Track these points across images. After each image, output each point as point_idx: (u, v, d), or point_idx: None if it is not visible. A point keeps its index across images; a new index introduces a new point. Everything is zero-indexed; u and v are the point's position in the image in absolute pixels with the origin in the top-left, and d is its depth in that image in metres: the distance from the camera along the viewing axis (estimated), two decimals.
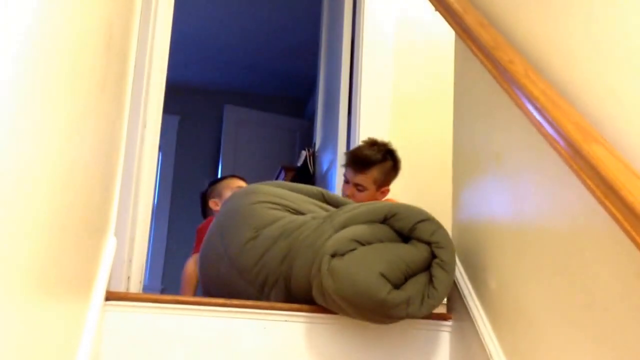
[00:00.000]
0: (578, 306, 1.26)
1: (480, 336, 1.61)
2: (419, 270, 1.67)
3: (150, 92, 2.24)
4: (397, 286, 1.62)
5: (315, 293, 1.68)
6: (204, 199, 2.96)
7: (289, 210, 1.96)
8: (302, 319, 1.72)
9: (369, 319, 1.66)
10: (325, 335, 1.70)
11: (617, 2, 1.25)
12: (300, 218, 1.90)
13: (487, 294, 1.65)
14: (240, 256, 1.85)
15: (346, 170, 2.54)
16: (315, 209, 1.99)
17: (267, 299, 1.81)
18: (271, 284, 1.81)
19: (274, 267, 1.80)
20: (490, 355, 1.54)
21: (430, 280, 1.67)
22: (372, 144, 2.55)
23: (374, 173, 2.49)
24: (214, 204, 2.86)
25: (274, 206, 1.95)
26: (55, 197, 0.87)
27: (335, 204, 2.07)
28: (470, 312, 1.68)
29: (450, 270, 1.68)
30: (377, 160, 2.49)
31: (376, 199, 2.49)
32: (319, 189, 2.18)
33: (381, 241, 1.69)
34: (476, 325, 1.64)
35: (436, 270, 1.67)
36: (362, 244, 1.66)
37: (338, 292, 1.60)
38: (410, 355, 1.74)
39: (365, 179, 2.48)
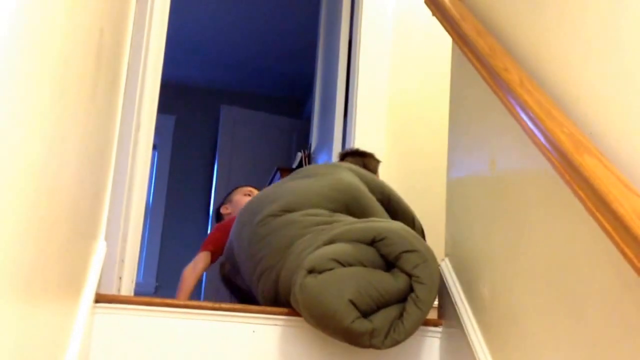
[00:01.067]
0: (569, 317, 1.26)
1: (471, 344, 1.60)
2: (394, 300, 1.63)
3: (145, 93, 2.22)
4: (366, 314, 1.59)
5: (292, 300, 1.68)
6: (217, 212, 3.09)
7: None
8: (291, 323, 1.72)
9: (336, 339, 1.64)
10: (314, 340, 1.70)
11: (613, 13, 1.25)
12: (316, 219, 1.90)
13: (479, 301, 1.64)
14: (257, 228, 1.89)
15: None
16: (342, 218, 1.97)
17: (257, 284, 1.81)
18: (262, 269, 1.80)
19: (273, 252, 1.81)
20: None
21: (402, 314, 1.62)
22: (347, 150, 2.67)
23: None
24: (224, 209, 2.99)
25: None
26: (41, 203, 0.86)
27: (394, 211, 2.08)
28: (462, 319, 1.68)
29: (424, 308, 1.63)
30: (349, 155, 2.56)
31: None
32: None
33: (363, 264, 1.66)
34: (467, 333, 1.63)
35: (410, 306, 1.63)
36: (342, 264, 1.63)
37: (306, 309, 1.60)
38: None
39: None
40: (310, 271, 1.61)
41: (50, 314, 1.05)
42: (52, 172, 0.91)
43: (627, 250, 1.01)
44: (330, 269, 1.62)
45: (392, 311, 1.62)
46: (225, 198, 3.10)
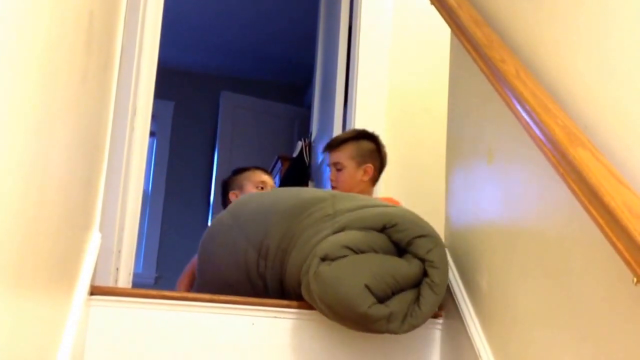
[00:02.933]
0: (564, 309, 1.26)
1: (470, 335, 1.61)
2: (409, 286, 1.64)
3: (141, 77, 2.19)
4: (382, 300, 1.59)
5: (303, 291, 1.67)
6: (225, 188, 2.84)
7: None
8: (290, 315, 1.71)
9: (350, 327, 1.64)
10: (314, 332, 1.70)
11: (606, 6, 1.24)
12: (303, 190, 1.91)
13: (477, 293, 1.64)
14: (249, 222, 1.87)
15: (325, 156, 2.57)
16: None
17: (264, 274, 1.80)
18: (271, 259, 1.80)
19: (274, 240, 1.80)
20: (479, 354, 1.54)
21: (418, 298, 1.63)
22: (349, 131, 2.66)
23: (349, 149, 2.50)
24: (233, 196, 2.73)
25: None
26: (28, 192, 0.86)
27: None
28: (461, 311, 1.68)
29: (439, 292, 1.64)
30: (349, 137, 2.55)
31: (359, 179, 2.48)
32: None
33: (375, 251, 1.66)
34: (466, 325, 1.64)
35: (425, 290, 1.63)
36: (354, 252, 1.63)
37: (321, 298, 1.59)
38: (401, 353, 1.74)
39: (341, 155, 2.50)
40: (324, 259, 1.61)
41: (41, 307, 1.05)
42: (39, 159, 0.90)
43: (618, 243, 1.01)
44: (344, 256, 1.61)
45: (407, 296, 1.62)
46: (234, 180, 2.81)
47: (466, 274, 1.73)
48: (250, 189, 2.68)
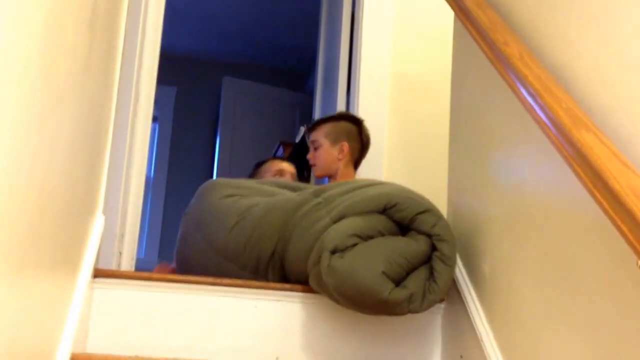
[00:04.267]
0: (568, 293, 1.26)
1: (472, 320, 1.61)
2: (420, 263, 1.64)
3: (144, 63, 2.19)
4: (398, 282, 1.59)
5: (312, 283, 1.66)
6: None
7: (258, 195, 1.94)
8: (294, 299, 1.72)
9: (368, 313, 1.64)
10: (317, 315, 1.70)
11: None
12: (283, 196, 1.87)
13: (480, 278, 1.65)
14: (227, 245, 1.82)
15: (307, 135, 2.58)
16: (280, 190, 1.96)
17: (265, 279, 1.80)
18: (265, 263, 1.79)
19: (266, 245, 1.79)
20: (481, 339, 1.55)
21: (431, 274, 1.63)
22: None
23: (325, 127, 2.51)
24: None
25: (243, 194, 1.93)
26: (33, 175, 0.86)
27: (293, 186, 2.02)
28: (463, 296, 1.68)
29: (451, 264, 1.64)
30: (329, 118, 2.57)
31: (335, 157, 2.46)
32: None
33: (381, 234, 1.66)
34: (468, 309, 1.64)
35: (437, 264, 1.63)
36: (363, 239, 1.63)
37: (338, 290, 1.58)
38: (403, 338, 1.74)
39: (317, 133, 2.51)
40: (334, 251, 1.60)
41: (46, 288, 1.06)
42: (44, 143, 0.91)
43: (622, 226, 1.01)
44: (353, 245, 1.61)
45: (421, 273, 1.63)
46: (256, 173, 2.86)
47: (469, 258, 1.73)
48: (269, 176, 2.71)
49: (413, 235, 1.67)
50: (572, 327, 1.24)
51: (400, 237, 1.67)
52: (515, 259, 1.48)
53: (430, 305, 1.62)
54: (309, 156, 2.54)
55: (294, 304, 1.71)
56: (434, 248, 1.64)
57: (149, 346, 1.59)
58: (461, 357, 1.65)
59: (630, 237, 0.99)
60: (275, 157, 2.90)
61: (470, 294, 1.67)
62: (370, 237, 1.64)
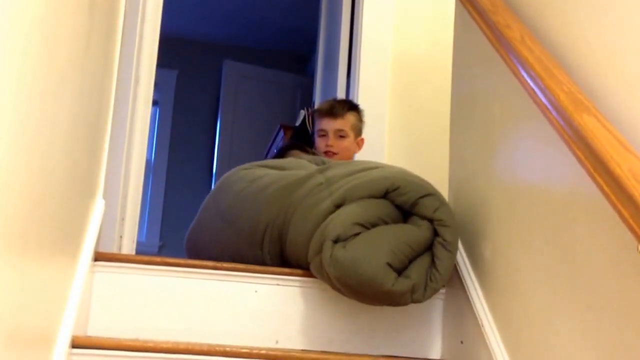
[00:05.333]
0: (568, 277, 1.26)
1: (473, 304, 1.61)
2: (422, 250, 1.62)
3: (144, 45, 2.18)
4: (401, 270, 1.58)
5: (314, 271, 1.66)
6: None
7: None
8: (294, 283, 1.72)
9: (370, 303, 1.63)
10: (317, 299, 1.70)
11: None
12: (292, 171, 1.87)
13: (481, 262, 1.64)
14: (231, 208, 1.85)
15: (322, 122, 2.50)
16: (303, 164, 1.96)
17: (260, 251, 1.80)
18: (261, 234, 1.79)
19: (263, 215, 1.78)
20: (482, 323, 1.55)
21: (433, 261, 1.61)
22: (335, 99, 2.65)
23: (351, 118, 2.49)
24: None
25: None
26: (32, 158, 0.85)
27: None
28: (464, 280, 1.68)
29: (453, 250, 1.62)
30: (351, 106, 2.54)
31: (353, 151, 2.49)
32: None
33: (384, 221, 1.63)
34: (468, 293, 1.64)
35: (439, 251, 1.61)
36: (366, 227, 1.61)
37: (341, 280, 1.57)
38: (403, 323, 1.74)
39: (344, 123, 2.47)
40: (336, 240, 1.58)
41: (47, 271, 1.06)
42: (43, 125, 0.90)
43: (623, 210, 1.01)
44: (357, 234, 1.59)
45: (423, 261, 1.61)
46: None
47: (470, 242, 1.72)
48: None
49: (415, 221, 1.64)
50: (573, 312, 1.24)
51: (402, 225, 1.65)
52: (516, 244, 1.48)
53: (432, 294, 1.60)
54: (330, 143, 2.46)
55: (294, 288, 1.71)
56: (435, 233, 1.63)
57: (150, 329, 1.60)
58: (462, 342, 1.65)
59: (631, 222, 0.99)
60: (293, 147, 2.82)
61: (471, 279, 1.67)
62: (374, 225, 1.62)
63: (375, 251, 1.55)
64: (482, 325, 1.54)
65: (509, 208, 1.53)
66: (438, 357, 1.76)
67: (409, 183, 1.67)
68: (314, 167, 1.89)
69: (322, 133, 2.49)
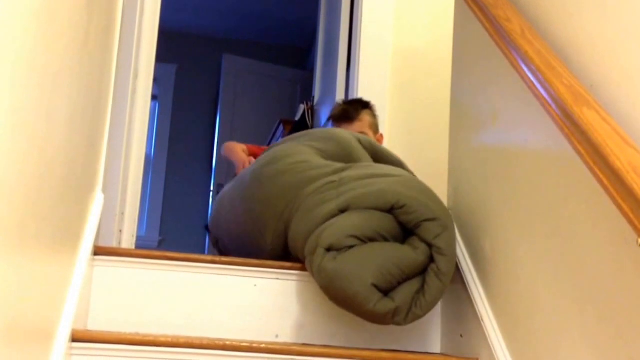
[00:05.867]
0: (568, 271, 1.26)
1: (472, 297, 1.61)
2: (414, 274, 1.58)
3: (143, 39, 2.17)
4: (387, 291, 1.55)
5: (307, 267, 1.65)
6: None
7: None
8: (293, 277, 1.71)
9: (353, 314, 1.60)
10: (317, 294, 1.70)
11: None
12: (312, 158, 1.87)
13: (481, 257, 1.64)
14: (249, 184, 1.88)
15: (337, 126, 2.48)
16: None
17: (264, 238, 1.81)
18: (264, 221, 1.80)
19: (270, 205, 1.80)
20: (482, 318, 1.55)
21: (423, 287, 1.57)
22: (346, 101, 2.63)
23: (367, 117, 2.47)
24: None
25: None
26: (30, 150, 0.85)
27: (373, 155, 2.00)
28: (463, 274, 1.68)
29: (445, 280, 1.57)
30: (363, 104, 2.52)
31: None
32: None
33: (382, 236, 1.60)
34: (468, 287, 1.64)
35: (430, 279, 1.57)
36: (362, 240, 1.58)
37: (325, 290, 1.57)
38: None
39: (363, 125, 2.46)
40: (329, 249, 1.57)
41: (46, 265, 1.06)
42: (41, 118, 0.90)
43: (622, 204, 1.01)
44: (350, 247, 1.57)
45: (412, 286, 1.57)
46: None
47: (470, 237, 1.72)
48: None
49: (414, 242, 1.61)
50: (572, 305, 1.24)
51: (399, 246, 1.61)
52: (516, 238, 1.48)
53: (414, 319, 1.57)
54: None
55: (294, 282, 1.71)
56: (432, 259, 1.59)
57: (150, 323, 1.60)
58: (461, 336, 1.65)
59: (631, 215, 0.99)
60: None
61: (470, 272, 1.67)
62: (370, 239, 1.59)
63: (363, 269, 1.53)
64: (482, 319, 1.55)
65: (508, 202, 1.53)
66: (438, 351, 1.76)
67: (417, 203, 1.62)
68: (337, 166, 1.87)
69: None
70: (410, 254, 1.58)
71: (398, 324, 1.56)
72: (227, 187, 2.09)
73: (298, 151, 1.92)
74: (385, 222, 1.62)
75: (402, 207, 1.61)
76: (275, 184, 1.83)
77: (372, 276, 1.52)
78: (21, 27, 0.75)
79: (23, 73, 0.78)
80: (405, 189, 1.66)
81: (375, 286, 1.52)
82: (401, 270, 1.55)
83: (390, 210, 1.63)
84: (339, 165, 1.88)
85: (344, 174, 1.78)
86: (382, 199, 1.63)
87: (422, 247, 1.59)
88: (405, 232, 1.64)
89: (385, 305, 1.53)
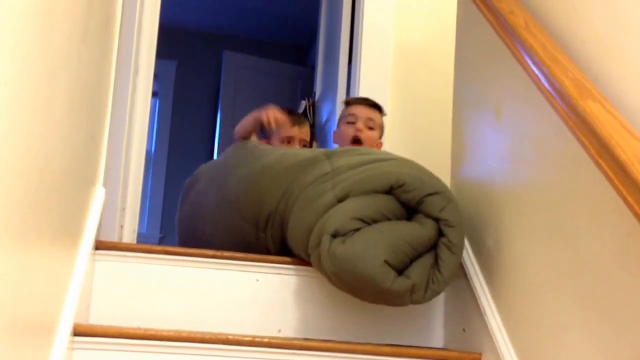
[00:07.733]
0: (571, 266, 1.26)
1: (475, 294, 1.60)
2: (425, 250, 1.56)
3: (142, 36, 2.17)
4: (401, 270, 1.53)
5: (313, 263, 1.63)
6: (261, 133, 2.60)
7: None
8: (295, 272, 1.71)
9: (369, 301, 1.59)
10: (319, 289, 1.70)
11: None
12: (294, 150, 1.85)
13: (484, 252, 1.64)
14: (234, 188, 1.84)
15: (352, 108, 2.38)
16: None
17: (264, 235, 1.79)
18: (265, 218, 1.77)
19: (267, 199, 1.77)
20: (484, 312, 1.54)
21: (436, 262, 1.55)
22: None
23: (381, 117, 2.42)
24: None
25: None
26: (31, 146, 0.85)
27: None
28: (467, 270, 1.68)
29: (458, 252, 1.56)
30: (381, 108, 2.43)
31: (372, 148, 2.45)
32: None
33: (386, 217, 1.58)
34: (471, 281, 1.64)
35: (443, 252, 1.55)
36: (366, 223, 1.56)
37: (338, 276, 1.53)
38: (405, 311, 1.73)
39: (377, 116, 2.37)
40: (335, 235, 1.54)
41: (46, 259, 1.05)
42: (40, 112, 0.89)
43: (628, 197, 1.00)
44: (356, 229, 1.54)
45: (425, 261, 1.55)
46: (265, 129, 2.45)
47: (473, 232, 1.71)
48: (275, 142, 2.42)
49: (420, 219, 1.59)
50: (577, 298, 1.23)
51: (405, 222, 1.59)
52: (521, 232, 1.47)
53: (433, 296, 1.55)
54: (360, 127, 2.30)
55: (296, 277, 1.71)
56: (440, 233, 1.57)
57: (151, 318, 1.59)
58: (464, 330, 1.65)
59: (637, 208, 0.98)
60: (294, 123, 2.45)
61: (473, 267, 1.66)
62: (375, 221, 1.57)
63: (374, 248, 1.50)
64: (485, 313, 1.54)
65: (511, 196, 1.52)
66: (440, 345, 1.75)
67: (415, 179, 1.61)
68: (320, 151, 1.85)
69: (351, 119, 2.33)
70: (418, 229, 1.56)
71: (417, 301, 1.53)
72: (200, 187, 2.03)
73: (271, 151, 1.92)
74: (387, 203, 1.60)
75: (401, 185, 1.60)
76: (267, 176, 1.81)
77: (385, 253, 1.50)
78: (19, 20, 0.74)
79: (21, 67, 0.77)
80: (402, 168, 1.65)
81: (389, 264, 1.50)
82: (412, 247, 1.53)
83: (390, 190, 1.61)
84: (322, 149, 1.88)
85: (336, 163, 1.76)
86: (381, 181, 1.62)
87: (429, 222, 1.57)
88: (409, 212, 1.62)
89: (402, 283, 1.50)
